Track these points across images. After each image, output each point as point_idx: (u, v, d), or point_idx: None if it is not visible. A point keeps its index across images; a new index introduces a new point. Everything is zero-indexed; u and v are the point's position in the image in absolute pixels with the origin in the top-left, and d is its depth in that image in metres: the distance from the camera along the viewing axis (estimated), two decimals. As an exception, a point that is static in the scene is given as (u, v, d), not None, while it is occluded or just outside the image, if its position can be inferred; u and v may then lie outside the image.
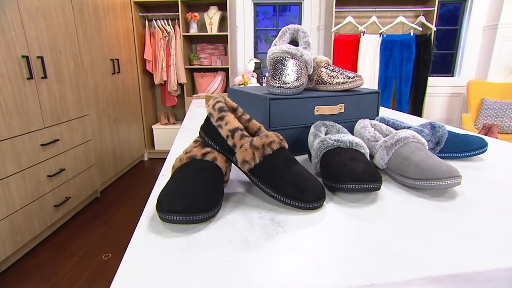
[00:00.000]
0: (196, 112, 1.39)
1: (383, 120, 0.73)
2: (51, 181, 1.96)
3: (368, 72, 3.19)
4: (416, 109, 3.29)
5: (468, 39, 3.64)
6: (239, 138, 0.49)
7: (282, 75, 0.71)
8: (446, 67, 3.90)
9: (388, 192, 0.54)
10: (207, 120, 0.54)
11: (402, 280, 0.32)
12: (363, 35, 3.12)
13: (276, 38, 0.81)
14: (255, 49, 3.95)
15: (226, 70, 3.44)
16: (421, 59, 3.07)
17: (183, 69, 3.24)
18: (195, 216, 0.40)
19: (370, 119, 0.71)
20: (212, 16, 3.22)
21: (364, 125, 0.67)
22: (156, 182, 0.59)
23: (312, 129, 0.65)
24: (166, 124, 3.47)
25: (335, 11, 3.13)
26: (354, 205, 0.49)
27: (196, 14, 3.19)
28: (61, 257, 1.84)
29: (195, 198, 0.42)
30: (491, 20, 3.54)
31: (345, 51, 3.19)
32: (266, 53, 4.60)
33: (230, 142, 0.50)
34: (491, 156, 0.72)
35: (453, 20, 3.78)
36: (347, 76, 0.77)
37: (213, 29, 3.23)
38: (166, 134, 3.46)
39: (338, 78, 0.77)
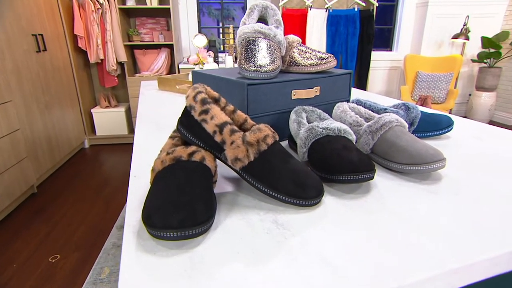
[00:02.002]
0: (149, 96, 1.27)
1: (360, 103, 0.73)
2: (-26, 181, 1.69)
3: (316, 47, 3.23)
4: (361, 83, 3.45)
5: (404, 15, 3.86)
6: (228, 133, 0.44)
7: (256, 58, 0.66)
8: (385, 41, 4.13)
9: (378, 178, 0.54)
10: (187, 113, 0.48)
11: (429, 276, 0.32)
12: (310, 9, 3.12)
13: (245, 16, 0.75)
14: (199, 23, 3.75)
15: (170, 46, 3.22)
16: (364, 34, 3.19)
17: (122, 46, 2.95)
18: (194, 230, 0.35)
19: (347, 102, 0.71)
20: (151, -14, 2.94)
21: (343, 109, 0.66)
22: (129, 186, 0.52)
23: (293, 116, 0.62)
24: (107, 107, 3.18)
25: (282, -16, 3.07)
26: (351, 196, 0.48)
27: (132, -17, 2.89)
28: (-3, 265, 1.63)
29: (192, 208, 0.36)
30: (423, -4, 3.79)
31: (293, 25, 3.18)
32: (210, 28, 4.41)
33: (217, 138, 0.44)
34: (455, 133, 0.77)
35: (390, -4, 3.96)
36: (320, 57, 0.75)
37: (153, 1, 2.97)
38: (108, 118, 3.18)
39: (312, 59, 0.74)
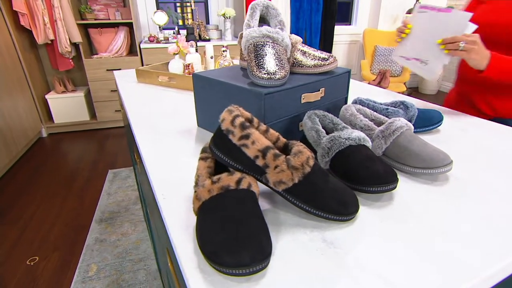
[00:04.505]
0: (130, 90, 1.20)
1: (363, 103, 0.76)
2: None
3: (281, 24, 3.19)
4: (324, 59, 3.50)
5: (362, -11, 3.91)
6: (272, 158, 0.44)
7: (268, 65, 0.65)
8: (344, 16, 4.18)
9: (395, 181, 0.58)
10: (223, 136, 0.47)
11: (469, 286, 0.37)
12: (274, -16, 3.05)
13: (247, 17, 0.72)
14: (157, -3, 3.50)
15: (128, 24, 2.98)
16: (327, 10, 3.21)
17: (75, 25, 2.68)
18: (263, 263, 0.36)
19: (352, 102, 0.73)
20: (102, -44, 2.66)
21: (352, 112, 0.68)
22: (161, 208, 0.50)
23: (309, 123, 0.63)
24: (64, 92, 2.93)
25: (244, -43, 2.93)
26: (379, 204, 0.51)
27: (80, -47, 2.58)
28: (-30, 275, 1.51)
29: (259, 242, 0.37)
30: (380, -30, 3.85)
31: (258, 1, 3.09)
32: (167, 2, 4.14)
33: (259, 162, 0.45)
34: (443, 126, 0.83)
35: (349, -31, 3.97)
36: (323, 58, 0.75)
37: (105, -27, 2.69)
38: (66, 104, 2.94)
39: (315, 59, 0.75)
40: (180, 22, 4.26)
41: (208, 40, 3.30)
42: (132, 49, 3.17)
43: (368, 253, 0.41)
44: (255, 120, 0.50)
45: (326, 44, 3.40)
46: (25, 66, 2.69)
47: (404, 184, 0.57)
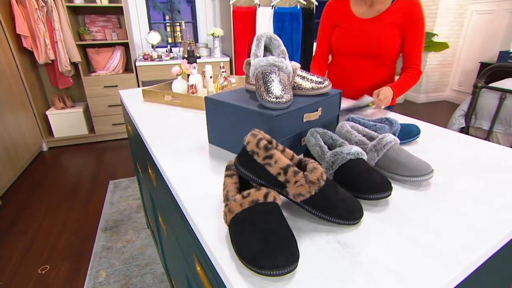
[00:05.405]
0: (140, 109, 1.21)
1: (355, 120, 0.81)
2: None
3: (265, 42, 3.26)
4: (305, 73, 3.60)
5: (335, 10, 4.05)
6: (292, 175, 0.48)
7: (275, 90, 0.69)
8: (320, 34, 4.31)
9: (387, 188, 0.64)
10: (248, 156, 0.51)
11: (458, 273, 0.42)
12: (259, 7, 3.12)
13: (253, 47, 0.77)
14: (149, 19, 3.50)
15: (124, 44, 2.97)
16: (307, 30, 3.31)
17: (75, 45, 2.65)
18: (294, 265, 0.41)
19: (346, 121, 0.79)
20: (99, -18, 2.65)
21: (347, 129, 0.74)
22: (194, 224, 0.53)
23: (312, 139, 0.68)
24: (63, 108, 2.87)
25: (231, -17, 2.99)
26: (378, 209, 0.57)
27: (78, -21, 2.57)
28: (-18, 287, 1.46)
29: (289, 247, 0.42)
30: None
31: (244, 23, 3.16)
32: (157, 23, 4.12)
33: (281, 178, 0.49)
34: (419, 138, 0.90)
35: (323, -7, 4.10)
36: (319, 81, 0.81)
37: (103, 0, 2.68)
38: (66, 119, 2.88)
39: (313, 83, 0.80)
40: (170, 40, 4.27)
41: (199, 57, 3.32)
42: (128, 66, 3.15)
43: (376, 251, 0.46)
44: (274, 141, 0.55)
45: (306, 59, 3.50)
46: (26, 85, 2.63)
47: (395, 190, 0.63)
